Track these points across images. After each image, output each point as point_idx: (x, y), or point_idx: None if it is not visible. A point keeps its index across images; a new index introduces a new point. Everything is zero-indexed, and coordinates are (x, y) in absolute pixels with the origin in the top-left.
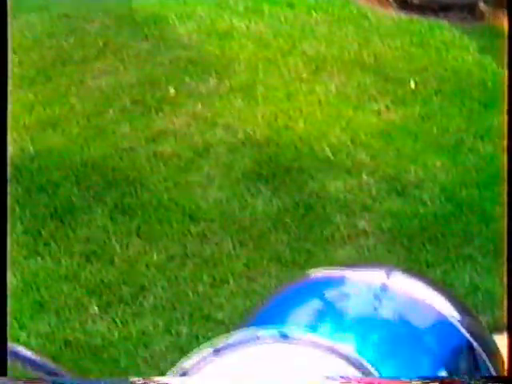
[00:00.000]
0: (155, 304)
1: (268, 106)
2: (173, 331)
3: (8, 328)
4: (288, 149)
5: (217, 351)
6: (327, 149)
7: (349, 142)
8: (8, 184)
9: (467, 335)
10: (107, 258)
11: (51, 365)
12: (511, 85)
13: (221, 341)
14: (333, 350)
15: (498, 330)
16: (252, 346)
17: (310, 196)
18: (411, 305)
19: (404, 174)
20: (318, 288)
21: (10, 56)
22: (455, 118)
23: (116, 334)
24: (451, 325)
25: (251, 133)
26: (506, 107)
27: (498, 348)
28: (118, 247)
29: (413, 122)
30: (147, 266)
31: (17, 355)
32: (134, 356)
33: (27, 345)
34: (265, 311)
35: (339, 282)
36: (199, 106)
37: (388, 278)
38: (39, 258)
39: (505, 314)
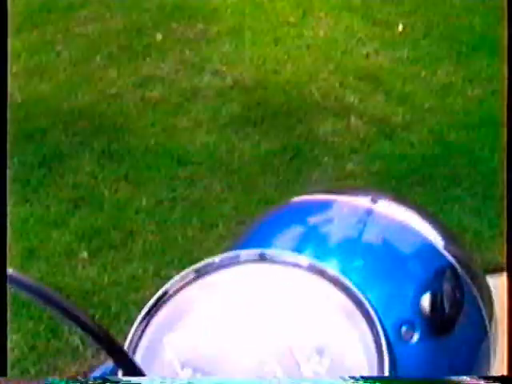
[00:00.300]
0: (145, 248)
1: (256, 51)
2: (162, 275)
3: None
4: (276, 93)
5: (198, 273)
6: (315, 92)
7: (337, 85)
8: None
9: (451, 259)
10: (96, 204)
11: (51, 291)
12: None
13: (202, 263)
14: (317, 271)
15: (486, 271)
16: (233, 267)
17: (298, 139)
18: (396, 230)
19: (392, 117)
20: (300, 212)
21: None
22: (443, 61)
23: (106, 278)
24: (435, 248)
25: (239, 77)
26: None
27: (483, 274)
28: (106, 193)
29: (401, 65)
30: (136, 210)
31: (15, 281)
32: (125, 300)
33: (16, 293)
34: (246, 236)
35: (323, 206)
36: (186, 51)
37: (374, 203)
38: (28, 205)
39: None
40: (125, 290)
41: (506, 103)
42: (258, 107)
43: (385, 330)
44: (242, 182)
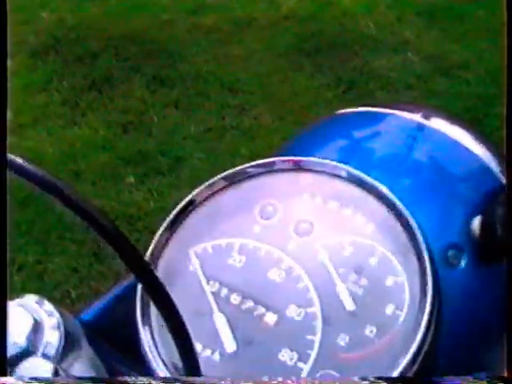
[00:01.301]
0: (192, 175)
1: None
2: None
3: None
4: (332, 24)
5: (228, 180)
6: (372, 26)
7: (394, 20)
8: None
9: (506, 182)
10: (145, 129)
11: (51, 177)
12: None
13: (232, 170)
14: (359, 182)
15: None
16: (267, 176)
17: (352, 72)
18: (448, 148)
19: (449, 54)
20: (346, 124)
21: None
22: (502, 1)
23: (152, 204)
24: (489, 170)
25: (294, 7)
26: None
27: None
28: (155, 118)
29: (459, 3)
30: (184, 137)
31: (13, 165)
32: None
33: (61, 216)
34: (287, 147)
35: (371, 118)
36: None
37: (427, 119)
38: (76, 128)
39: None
40: None
41: None
42: (312, 39)
43: (430, 253)
44: (293, 113)
